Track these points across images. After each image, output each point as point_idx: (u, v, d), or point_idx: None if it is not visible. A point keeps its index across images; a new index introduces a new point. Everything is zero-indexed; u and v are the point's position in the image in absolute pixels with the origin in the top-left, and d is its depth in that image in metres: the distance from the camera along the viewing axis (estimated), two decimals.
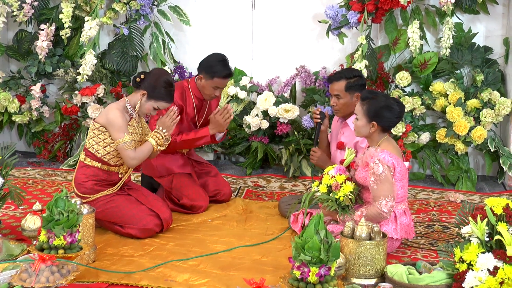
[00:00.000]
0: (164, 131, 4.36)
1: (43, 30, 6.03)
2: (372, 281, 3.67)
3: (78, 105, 6.16)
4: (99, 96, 6.11)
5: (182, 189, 4.93)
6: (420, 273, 3.61)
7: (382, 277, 3.68)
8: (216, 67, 4.85)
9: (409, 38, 5.57)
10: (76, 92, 6.16)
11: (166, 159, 5.00)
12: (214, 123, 4.92)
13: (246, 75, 6.32)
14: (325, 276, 3.29)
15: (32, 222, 3.83)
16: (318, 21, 5.96)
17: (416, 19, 5.59)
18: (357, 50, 5.68)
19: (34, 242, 3.78)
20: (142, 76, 4.29)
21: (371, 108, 3.98)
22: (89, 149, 4.29)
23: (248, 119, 6.04)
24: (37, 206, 3.93)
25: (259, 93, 6.21)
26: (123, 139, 4.16)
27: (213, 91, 4.91)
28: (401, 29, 5.81)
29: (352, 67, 5.52)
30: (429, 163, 5.89)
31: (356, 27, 5.72)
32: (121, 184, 4.37)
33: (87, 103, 6.13)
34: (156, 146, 4.32)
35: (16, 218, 4.65)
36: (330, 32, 5.87)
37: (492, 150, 5.69)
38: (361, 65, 5.50)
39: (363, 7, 5.59)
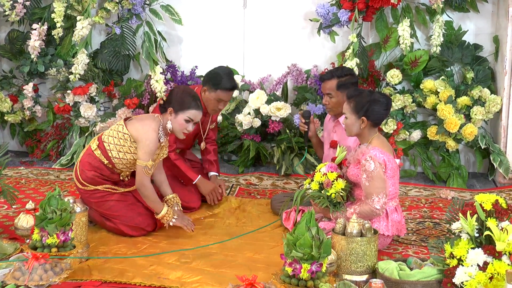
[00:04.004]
0: (174, 220, 4.30)
1: (35, 29, 6.00)
2: (364, 277, 3.69)
3: (70, 105, 6.16)
4: (91, 95, 6.12)
5: (174, 191, 4.91)
6: (411, 269, 3.63)
7: (373, 273, 3.69)
8: (221, 79, 4.84)
9: (399, 36, 5.59)
10: (68, 91, 6.16)
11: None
12: (201, 188, 5.01)
13: (238, 74, 6.33)
14: (316, 272, 3.30)
15: (25, 221, 3.84)
16: (309, 19, 5.98)
17: (406, 17, 5.61)
18: (348, 48, 5.70)
19: (27, 241, 3.79)
20: (164, 98, 4.30)
21: (358, 104, 4.01)
22: (104, 143, 4.28)
23: (239, 117, 6.04)
24: (30, 205, 3.94)
25: (250, 92, 6.22)
26: (146, 163, 4.16)
27: (217, 104, 4.89)
28: (392, 27, 5.83)
29: (344, 65, 5.54)
30: (420, 161, 5.92)
31: (347, 26, 5.74)
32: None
33: (79, 102, 6.14)
34: (160, 216, 4.29)
35: (9, 217, 4.66)
36: (321, 31, 5.89)
37: (482, 147, 5.72)
38: (352, 63, 5.52)
39: (353, 5, 5.61)
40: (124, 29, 6.13)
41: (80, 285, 3.56)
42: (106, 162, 4.29)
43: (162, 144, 4.32)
